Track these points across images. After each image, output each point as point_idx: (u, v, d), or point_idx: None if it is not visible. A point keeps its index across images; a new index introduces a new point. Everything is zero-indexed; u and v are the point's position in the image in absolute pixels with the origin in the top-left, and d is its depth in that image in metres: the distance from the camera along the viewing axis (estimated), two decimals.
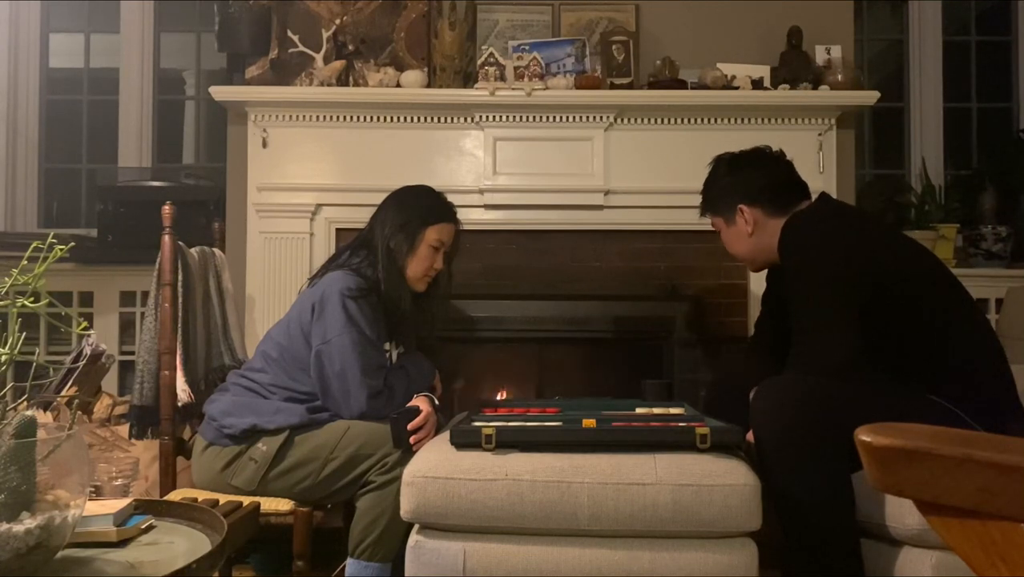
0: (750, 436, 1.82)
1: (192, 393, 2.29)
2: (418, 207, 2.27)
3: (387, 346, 2.26)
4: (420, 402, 2.12)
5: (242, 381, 2.17)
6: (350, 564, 2.04)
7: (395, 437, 2.04)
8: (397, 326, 2.26)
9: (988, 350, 1.89)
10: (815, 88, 3.02)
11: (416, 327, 2.34)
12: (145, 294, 2.58)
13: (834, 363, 1.82)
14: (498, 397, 3.05)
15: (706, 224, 3.19)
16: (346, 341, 2.07)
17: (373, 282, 2.18)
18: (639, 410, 2.07)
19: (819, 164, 3.02)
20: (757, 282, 3.05)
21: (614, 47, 3.10)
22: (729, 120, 3.04)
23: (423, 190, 2.34)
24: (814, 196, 2.12)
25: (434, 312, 2.37)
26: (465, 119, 3.06)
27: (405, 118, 3.07)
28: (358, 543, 2.03)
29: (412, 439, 2.03)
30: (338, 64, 3.05)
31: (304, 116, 3.06)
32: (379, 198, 3.04)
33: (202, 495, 2.03)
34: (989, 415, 1.78)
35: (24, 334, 1.16)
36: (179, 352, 2.28)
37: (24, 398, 1.18)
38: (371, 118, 3.06)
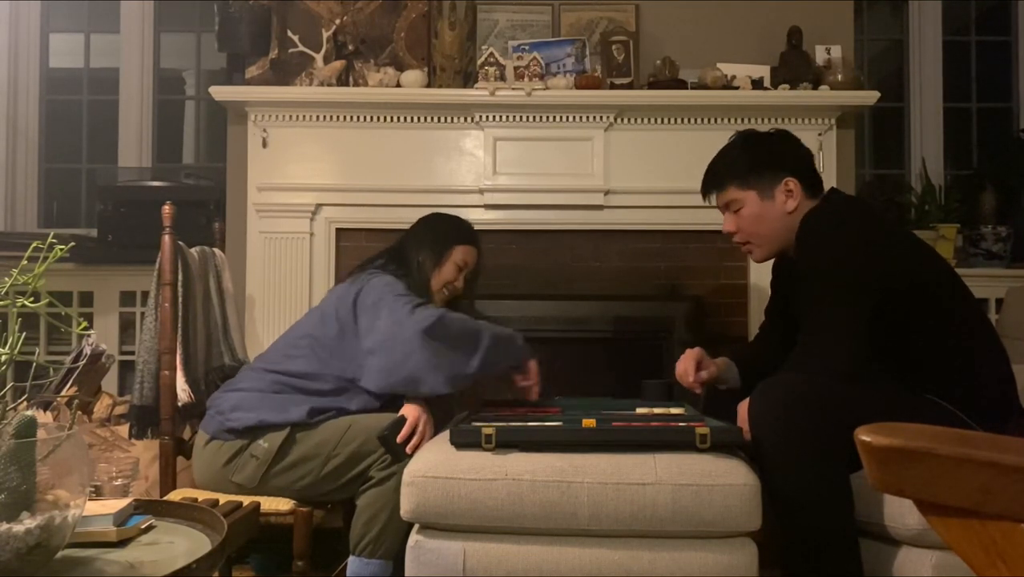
0: (744, 411, 1.82)
1: (192, 393, 2.29)
2: (447, 228, 2.41)
3: None
4: (406, 410, 2.10)
5: (257, 375, 2.17)
6: (351, 562, 2.04)
7: (390, 453, 2.04)
8: None
9: (991, 352, 1.88)
10: (815, 88, 3.02)
11: None
12: (145, 294, 2.58)
13: (837, 368, 1.80)
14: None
15: (706, 224, 3.18)
16: (391, 299, 2.12)
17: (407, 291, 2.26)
18: (639, 410, 2.07)
19: (819, 164, 2.99)
20: (757, 282, 3.05)
21: (614, 47, 3.10)
22: (729, 120, 3.04)
23: (453, 216, 2.48)
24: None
25: None
26: (465, 119, 3.06)
27: (405, 118, 3.07)
28: (358, 540, 2.03)
29: (408, 448, 2.04)
30: (338, 64, 3.05)
31: (304, 116, 3.06)
32: (379, 198, 3.08)
33: (202, 495, 2.03)
34: (989, 416, 1.77)
35: (24, 334, 1.16)
36: (179, 352, 2.28)
37: (24, 398, 1.18)
38: (371, 118, 3.06)
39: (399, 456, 2.02)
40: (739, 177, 2.03)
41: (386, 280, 2.21)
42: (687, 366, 2.10)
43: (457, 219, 2.46)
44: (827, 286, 1.86)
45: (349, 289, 2.22)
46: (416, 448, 2.02)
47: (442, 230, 2.40)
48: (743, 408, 1.83)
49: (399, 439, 2.04)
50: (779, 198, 2.01)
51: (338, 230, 3.11)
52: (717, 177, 2.08)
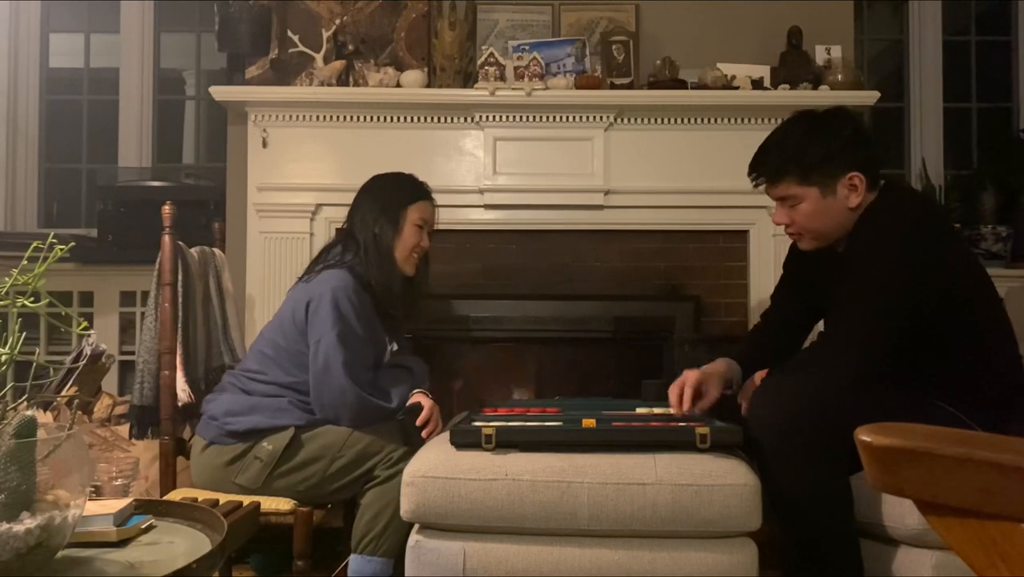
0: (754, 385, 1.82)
1: (192, 393, 2.29)
2: (395, 190, 2.31)
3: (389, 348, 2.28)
4: (419, 398, 2.16)
5: (240, 381, 2.17)
6: (353, 560, 2.04)
7: (406, 436, 2.09)
8: (391, 321, 2.28)
9: (1008, 360, 1.85)
10: (815, 88, 3.02)
11: (407, 315, 2.35)
12: (145, 294, 2.58)
13: (856, 373, 1.77)
14: (515, 397, 3.08)
15: (706, 224, 3.18)
16: (332, 338, 2.09)
17: (367, 279, 2.21)
18: (639, 410, 2.07)
19: None
20: (757, 282, 3.05)
21: (614, 47, 3.10)
22: (729, 120, 3.04)
23: (394, 175, 2.37)
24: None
25: (420, 298, 2.38)
26: (465, 119, 3.06)
27: (405, 118, 3.07)
28: (361, 538, 2.03)
29: (423, 433, 2.09)
30: (338, 64, 3.05)
31: (304, 116, 3.06)
32: None
33: (202, 495, 2.03)
34: (994, 421, 1.76)
35: (24, 334, 1.16)
36: (179, 352, 2.28)
37: (24, 398, 1.18)
38: (371, 118, 3.06)
39: (415, 441, 2.06)
40: (799, 173, 1.86)
41: (335, 284, 2.13)
42: (685, 397, 1.90)
43: (402, 176, 2.35)
44: (870, 291, 1.79)
45: (303, 293, 2.18)
46: (431, 434, 2.08)
47: (390, 193, 2.29)
48: (754, 380, 1.83)
49: (418, 422, 2.10)
50: (841, 193, 1.85)
51: (338, 230, 3.10)
52: (773, 168, 1.90)
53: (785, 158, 1.88)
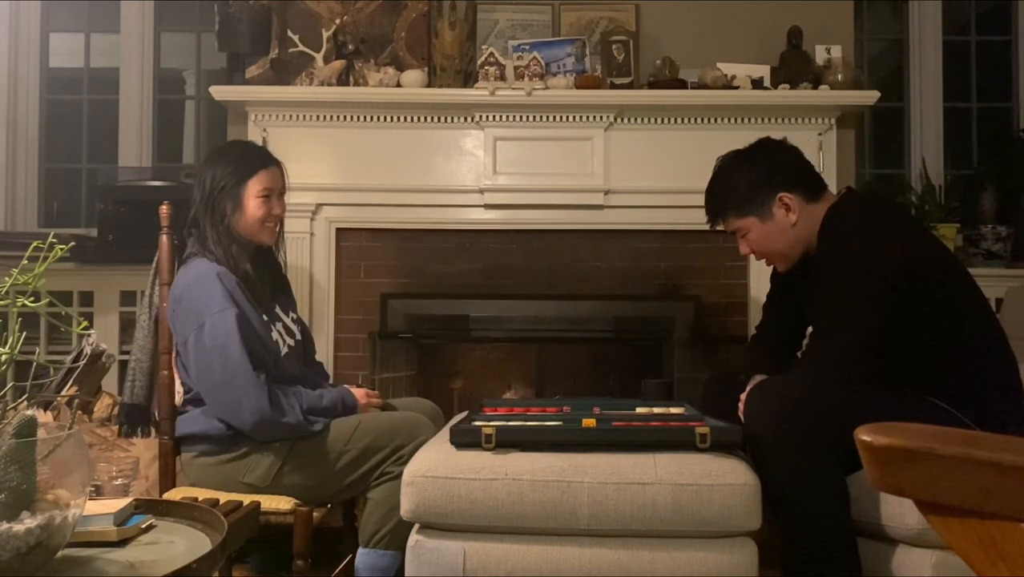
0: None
1: None
2: (230, 164, 2.15)
3: (284, 319, 2.23)
4: (350, 391, 2.21)
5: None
6: (364, 554, 2.03)
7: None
8: (271, 291, 2.22)
9: (997, 354, 1.87)
10: (815, 88, 3.02)
11: (276, 281, 2.28)
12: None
13: (846, 370, 1.80)
14: (508, 395, 3.08)
15: (706, 224, 3.19)
16: (220, 322, 2.00)
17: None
18: (639, 410, 2.07)
19: (819, 164, 3.01)
20: (757, 282, 3.05)
21: (614, 47, 3.10)
22: (729, 120, 3.04)
23: (227, 149, 2.28)
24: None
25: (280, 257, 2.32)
26: (465, 119, 3.06)
27: (405, 118, 3.07)
28: (374, 532, 2.02)
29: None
30: (338, 64, 3.05)
31: (304, 116, 3.06)
32: (379, 198, 3.08)
33: (202, 495, 2.03)
34: (990, 418, 1.77)
35: (24, 334, 1.16)
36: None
37: (24, 398, 1.18)
38: (371, 118, 3.06)
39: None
40: (734, 207, 2.04)
41: (196, 287, 2.04)
42: None
43: (234, 152, 2.22)
44: (843, 288, 1.85)
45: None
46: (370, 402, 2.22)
47: (225, 170, 2.13)
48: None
49: (361, 409, 2.18)
50: (778, 215, 2.00)
51: (338, 230, 3.11)
52: (715, 209, 2.09)
53: (720, 199, 2.07)
